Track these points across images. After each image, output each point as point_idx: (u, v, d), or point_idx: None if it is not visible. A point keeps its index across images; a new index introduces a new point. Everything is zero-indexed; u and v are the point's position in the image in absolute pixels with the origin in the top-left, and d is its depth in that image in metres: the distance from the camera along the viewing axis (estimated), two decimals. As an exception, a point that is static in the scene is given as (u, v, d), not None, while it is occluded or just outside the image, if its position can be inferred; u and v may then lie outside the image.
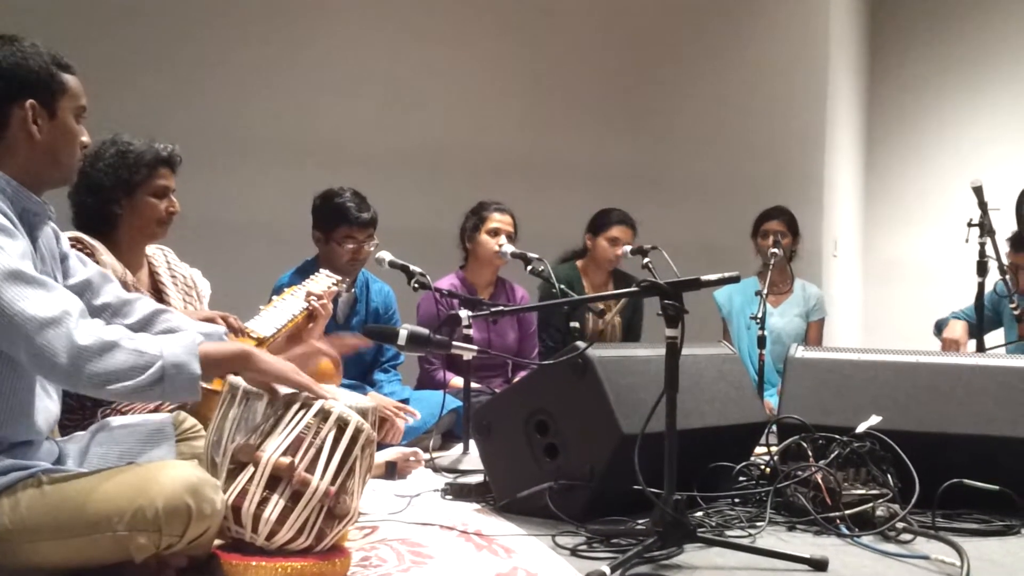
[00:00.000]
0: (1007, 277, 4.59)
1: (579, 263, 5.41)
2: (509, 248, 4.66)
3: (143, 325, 2.47)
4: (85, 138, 2.28)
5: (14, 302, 2.01)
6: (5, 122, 2.17)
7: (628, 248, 5.04)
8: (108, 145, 3.15)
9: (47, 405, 2.26)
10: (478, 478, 3.31)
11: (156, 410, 2.82)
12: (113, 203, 3.13)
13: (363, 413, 2.40)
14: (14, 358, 2.08)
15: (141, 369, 2.06)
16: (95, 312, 2.39)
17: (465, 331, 3.86)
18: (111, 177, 3.11)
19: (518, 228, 4.93)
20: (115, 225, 3.16)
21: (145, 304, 2.51)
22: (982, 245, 4.62)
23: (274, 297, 3.48)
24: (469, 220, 4.93)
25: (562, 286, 4.40)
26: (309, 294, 3.28)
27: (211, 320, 2.85)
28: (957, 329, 4.90)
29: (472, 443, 3.60)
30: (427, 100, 6.31)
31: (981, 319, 4.74)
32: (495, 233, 4.84)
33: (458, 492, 3.27)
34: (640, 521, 2.74)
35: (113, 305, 2.44)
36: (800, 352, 3.53)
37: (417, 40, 6.31)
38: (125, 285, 2.88)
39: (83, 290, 2.38)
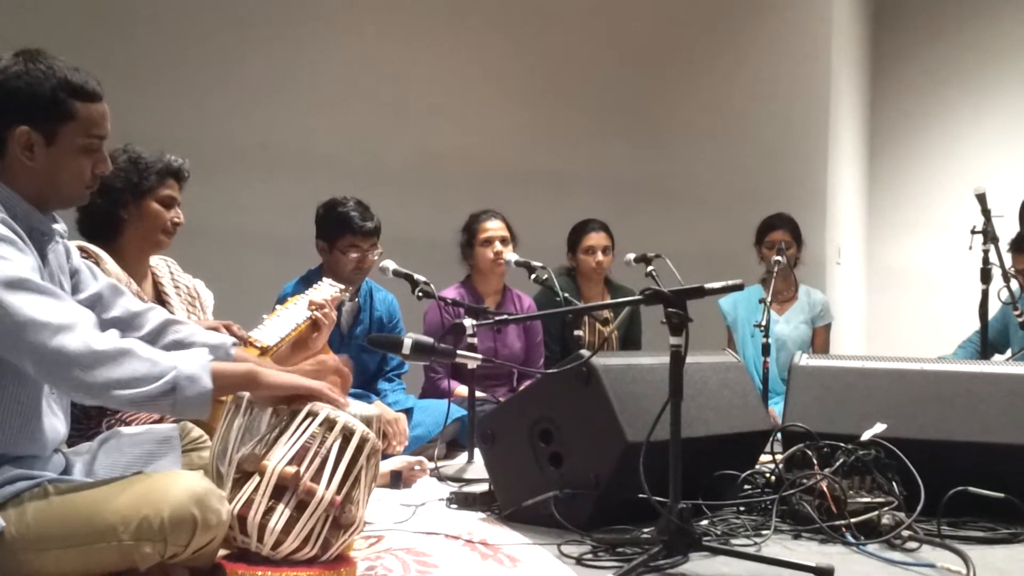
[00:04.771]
0: (1011, 283, 4.59)
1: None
2: (513, 256, 4.66)
3: (154, 336, 2.47)
4: (103, 166, 2.24)
5: (24, 309, 2.00)
6: (3, 143, 2.15)
7: (603, 251, 5.26)
8: (120, 152, 3.18)
9: (53, 424, 2.25)
10: (483, 487, 3.31)
11: (161, 420, 2.82)
12: (121, 207, 3.16)
13: (368, 422, 2.40)
14: (21, 370, 2.07)
15: (154, 378, 2.06)
16: (105, 326, 2.39)
17: (469, 340, 3.86)
18: (121, 179, 3.15)
19: (515, 232, 4.93)
20: (120, 231, 3.19)
21: (157, 315, 2.51)
22: (986, 252, 4.62)
23: (278, 306, 3.48)
24: (463, 236, 4.95)
25: (566, 294, 4.41)
26: (312, 303, 3.28)
27: (215, 330, 2.84)
28: None
29: (477, 452, 3.60)
30: (429, 109, 6.33)
31: (985, 327, 4.74)
32: (489, 242, 4.85)
33: (463, 501, 3.27)
34: (645, 530, 2.74)
35: (123, 319, 2.44)
36: (804, 360, 3.52)
37: (419, 50, 6.33)
38: (130, 295, 2.88)
39: (93, 304, 2.38)
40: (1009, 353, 4.96)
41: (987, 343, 4.78)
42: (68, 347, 2.01)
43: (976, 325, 4.85)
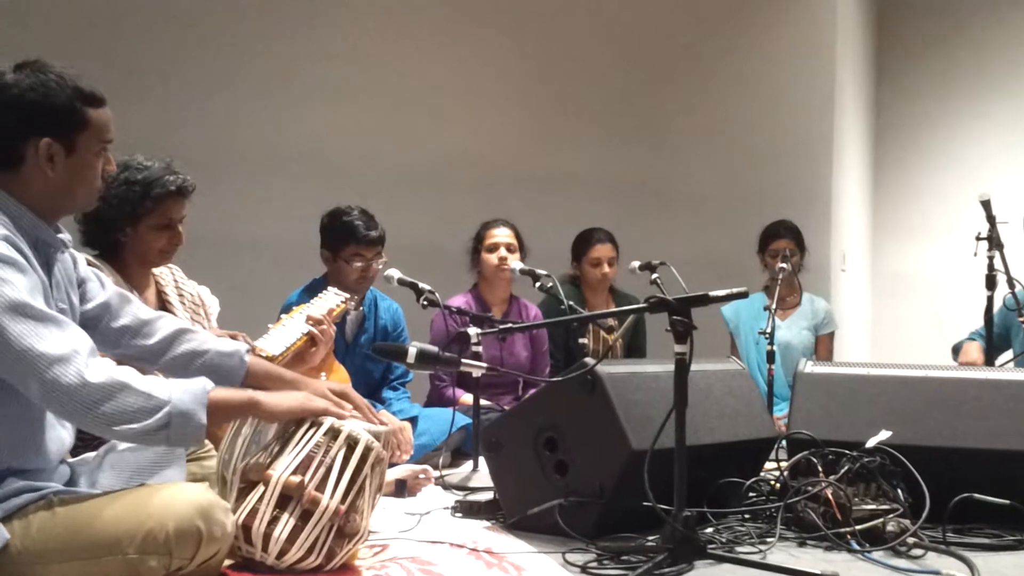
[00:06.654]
0: (1015, 290, 4.58)
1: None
2: (518, 264, 4.67)
3: (166, 346, 2.47)
4: (109, 167, 2.26)
5: (22, 338, 2.01)
6: (21, 156, 2.15)
7: (608, 262, 5.25)
8: (120, 170, 3.13)
9: (60, 435, 2.25)
10: (488, 495, 3.31)
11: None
12: (118, 231, 3.14)
13: (378, 437, 2.40)
14: (24, 393, 2.08)
15: (148, 413, 2.06)
16: (114, 335, 2.40)
17: (474, 348, 3.86)
18: (115, 209, 3.11)
19: (523, 242, 4.94)
20: (119, 250, 3.18)
21: (168, 323, 2.51)
22: (991, 259, 4.61)
23: (283, 316, 3.48)
24: (473, 243, 4.98)
25: (571, 303, 4.41)
26: (309, 318, 3.27)
27: (222, 339, 2.84)
28: (972, 352, 4.86)
29: (482, 460, 3.60)
30: (433, 116, 6.35)
31: (991, 334, 4.73)
32: (494, 248, 4.87)
33: (468, 510, 3.27)
34: (650, 538, 2.73)
35: (132, 327, 2.44)
36: (809, 367, 3.52)
37: (423, 55, 6.35)
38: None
39: (102, 314, 2.39)
40: (1011, 354, 4.95)
41: (992, 347, 4.77)
42: (62, 380, 2.01)
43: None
